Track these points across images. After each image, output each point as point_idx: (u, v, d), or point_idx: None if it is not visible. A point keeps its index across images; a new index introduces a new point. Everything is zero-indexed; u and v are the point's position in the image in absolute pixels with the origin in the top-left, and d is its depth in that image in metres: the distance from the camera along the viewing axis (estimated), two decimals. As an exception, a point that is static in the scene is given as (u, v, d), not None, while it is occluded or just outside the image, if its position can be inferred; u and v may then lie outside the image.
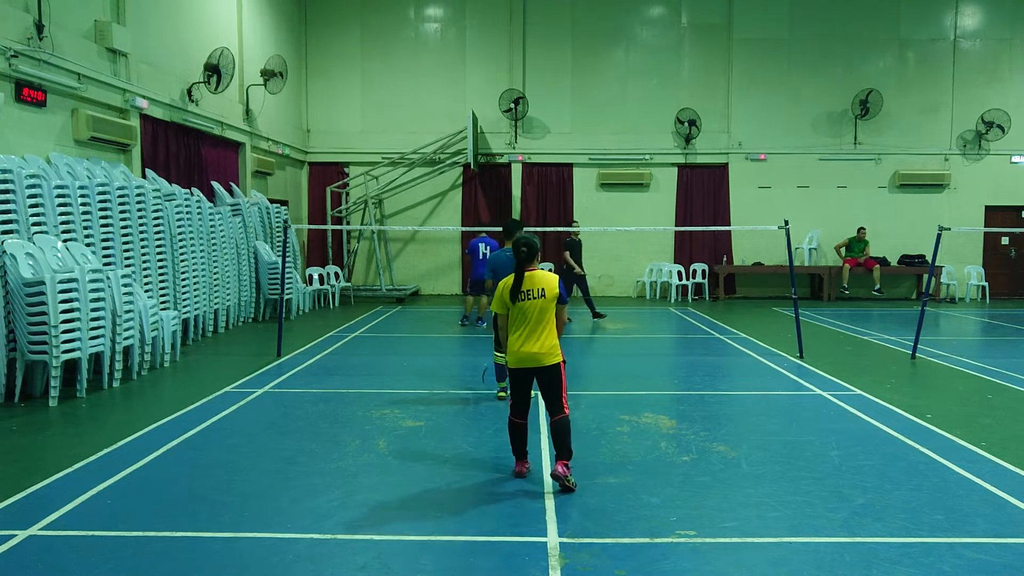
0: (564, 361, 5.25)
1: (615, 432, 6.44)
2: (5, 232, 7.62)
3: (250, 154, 15.26)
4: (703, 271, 18.80)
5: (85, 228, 8.69)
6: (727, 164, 18.96)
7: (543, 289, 5.14)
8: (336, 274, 17.43)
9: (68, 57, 9.48)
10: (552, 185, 19.09)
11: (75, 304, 7.51)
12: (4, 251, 7.33)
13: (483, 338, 12.03)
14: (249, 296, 13.27)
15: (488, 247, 12.75)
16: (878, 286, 18.05)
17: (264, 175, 16.18)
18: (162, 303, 10.05)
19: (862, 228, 18.28)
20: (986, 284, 18.43)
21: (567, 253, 13.75)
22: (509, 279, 5.20)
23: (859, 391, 8.05)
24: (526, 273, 5.17)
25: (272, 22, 16.79)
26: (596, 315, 13.80)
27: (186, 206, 10.95)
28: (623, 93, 18.97)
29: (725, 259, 18.88)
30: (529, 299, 5.12)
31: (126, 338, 8.32)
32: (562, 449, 5.05)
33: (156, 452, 5.79)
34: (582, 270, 13.86)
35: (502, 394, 7.57)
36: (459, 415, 7.08)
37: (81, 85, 9.74)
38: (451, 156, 18.84)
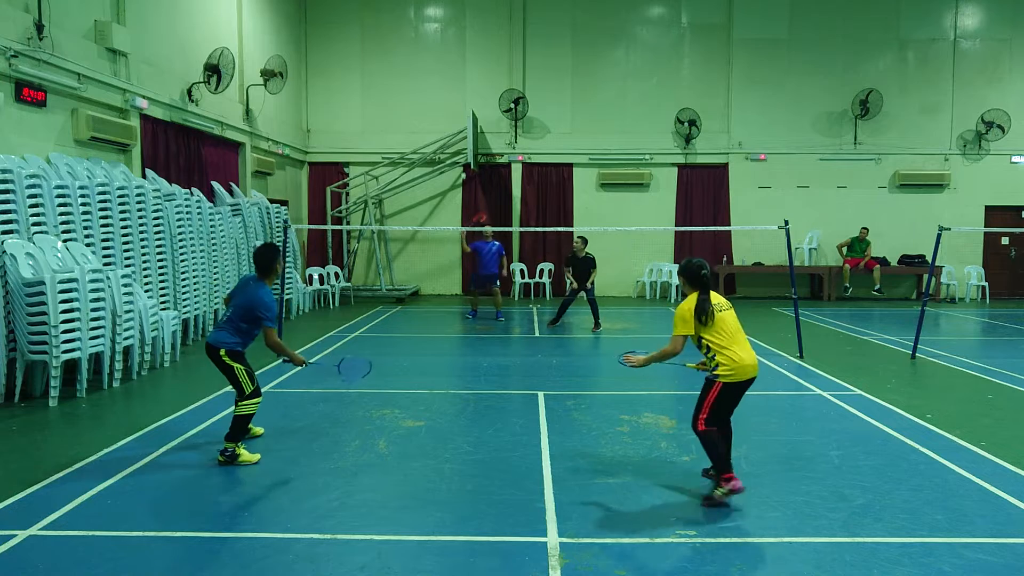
0: None
1: (615, 432, 6.45)
2: (5, 232, 7.62)
3: (250, 154, 15.26)
4: (703, 271, 18.76)
5: (85, 228, 8.69)
6: (727, 164, 18.95)
7: (721, 302, 5.09)
8: (336, 274, 17.42)
9: (68, 57, 9.47)
10: (552, 185, 19.08)
11: (75, 304, 7.51)
12: (4, 251, 7.33)
13: (484, 338, 12.04)
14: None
15: (491, 248, 13.18)
16: (878, 286, 18.05)
17: (264, 175, 16.18)
18: (162, 303, 10.04)
19: (864, 228, 18.27)
20: (986, 284, 18.42)
21: (569, 269, 12.88)
22: (690, 301, 4.98)
23: (859, 391, 8.05)
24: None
25: (272, 22, 16.79)
26: (554, 322, 13.18)
27: (186, 206, 10.95)
28: (623, 93, 18.96)
29: (725, 259, 18.86)
30: (723, 309, 5.02)
31: (126, 338, 8.32)
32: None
33: (156, 452, 5.79)
34: (575, 285, 12.85)
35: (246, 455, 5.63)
36: (459, 415, 7.09)
37: (81, 85, 9.74)
38: (451, 156, 18.84)
